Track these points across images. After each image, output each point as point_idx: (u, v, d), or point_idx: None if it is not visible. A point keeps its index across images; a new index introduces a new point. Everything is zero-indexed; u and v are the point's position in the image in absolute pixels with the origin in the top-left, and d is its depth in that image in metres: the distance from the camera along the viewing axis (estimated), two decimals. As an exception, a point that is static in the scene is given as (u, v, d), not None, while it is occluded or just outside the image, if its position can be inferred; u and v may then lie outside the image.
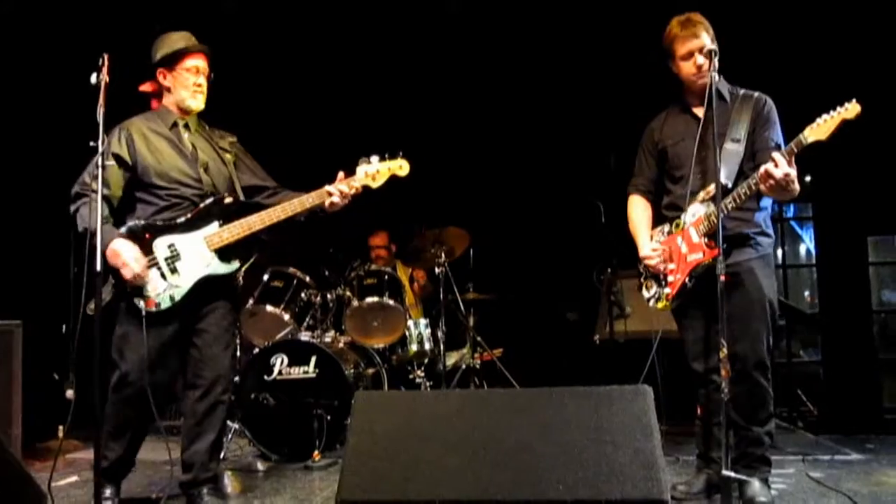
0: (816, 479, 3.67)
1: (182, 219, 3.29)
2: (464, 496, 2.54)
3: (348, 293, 5.28)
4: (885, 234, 6.26)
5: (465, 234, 5.38)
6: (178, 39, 3.39)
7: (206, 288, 3.31)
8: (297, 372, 4.69)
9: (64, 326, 5.78)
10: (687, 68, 3.26)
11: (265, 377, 4.70)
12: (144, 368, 3.16)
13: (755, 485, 3.13)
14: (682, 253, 3.23)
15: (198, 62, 3.39)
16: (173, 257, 3.25)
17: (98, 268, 2.86)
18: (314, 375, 4.67)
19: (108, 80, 3.12)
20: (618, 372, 4.73)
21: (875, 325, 6.14)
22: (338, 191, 3.37)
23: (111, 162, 3.17)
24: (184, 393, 3.44)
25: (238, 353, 5.46)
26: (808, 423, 5.54)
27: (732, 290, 3.10)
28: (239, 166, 3.56)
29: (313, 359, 4.70)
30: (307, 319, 5.17)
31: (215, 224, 3.31)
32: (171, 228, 3.27)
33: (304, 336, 4.98)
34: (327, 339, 5.08)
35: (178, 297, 3.21)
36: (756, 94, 3.30)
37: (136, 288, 3.17)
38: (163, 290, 3.19)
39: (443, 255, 5.30)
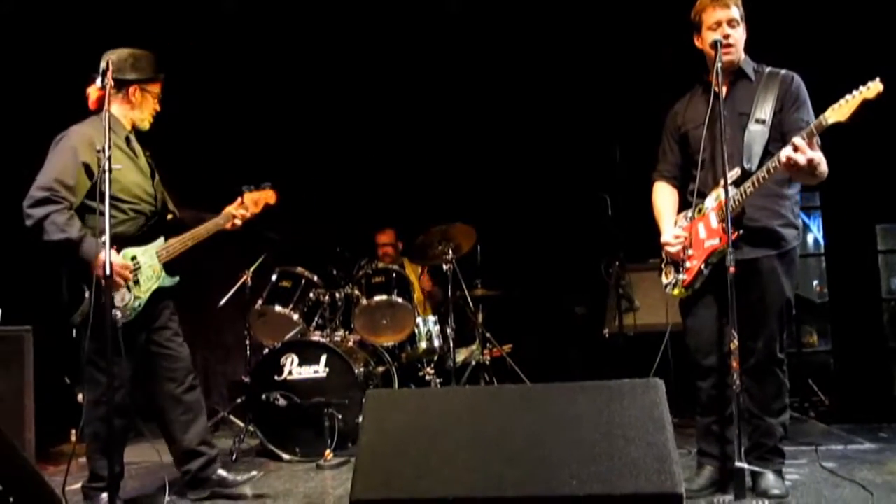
0: (830, 469, 3.66)
1: (139, 233, 3.43)
2: (476, 492, 2.53)
3: (356, 292, 5.28)
4: (893, 222, 6.24)
5: (472, 230, 5.37)
6: (152, 62, 3.52)
7: (156, 295, 3.45)
8: (307, 371, 4.70)
9: (75, 331, 5.78)
10: (711, 38, 3.14)
11: (276, 377, 4.71)
12: (124, 378, 3.27)
13: (769, 476, 3.10)
14: (701, 238, 3.18)
15: (160, 89, 3.58)
16: (136, 269, 3.36)
17: (108, 271, 2.91)
18: (324, 375, 4.68)
19: (112, 84, 3.16)
20: (628, 365, 4.73)
21: (885, 313, 6.12)
22: (240, 214, 3.76)
23: (57, 155, 3.27)
24: (159, 388, 3.53)
25: (248, 354, 5.49)
26: (819, 413, 5.52)
27: (752, 287, 3.07)
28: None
29: (323, 358, 4.71)
30: (316, 319, 5.18)
31: (161, 239, 3.49)
32: (131, 241, 3.38)
33: (314, 336, 4.99)
34: (337, 339, 5.09)
35: (140, 308, 3.35)
36: (783, 71, 3.20)
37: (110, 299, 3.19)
38: (130, 301, 3.31)
39: (450, 251, 5.29)
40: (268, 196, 3.89)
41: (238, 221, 3.75)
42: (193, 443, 3.52)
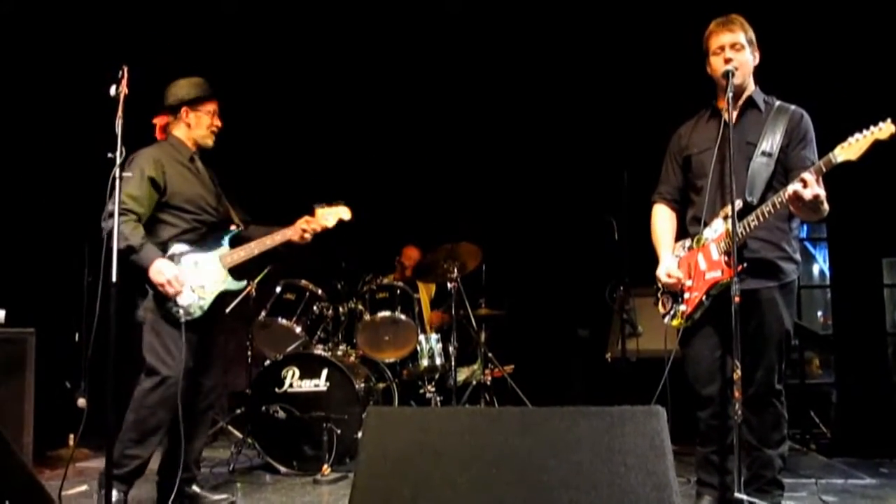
0: (829, 504, 3.64)
1: (202, 240, 3.68)
2: (474, 514, 2.52)
3: (360, 307, 5.28)
4: (899, 256, 6.23)
5: (478, 249, 5.37)
6: (201, 84, 3.81)
7: (221, 302, 3.72)
8: (307, 385, 4.70)
9: (77, 335, 5.80)
10: (716, 63, 3.16)
11: (276, 389, 4.71)
12: (180, 371, 3.44)
13: (767, 508, 3.09)
14: (701, 270, 3.16)
15: (214, 107, 3.83)
16: (200, 273, 3.60)
17: (114, 278, 2.96)
18: (325, 389, 4.68)
19: (126, 91, 3.19)
20: (629, 391, 4.71)
21: (889, 346, 6.09)
22: (311, 229, 3.91)
23: (129, 173, 3.37)
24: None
25: (250, 365, 5.49)
26: (821, 446, 5.48)
27: (750, 318, 3.05)
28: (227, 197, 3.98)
29: (324, 372, 4.70)
30: (319, 332, 5.18)
31: (226, 247, 3.73)
32: (195, 249, 3.64)
33: (316, 349, 4.99)
34: (339, 353, 5.09)
35: (205, 308, 3.57)
36: (792, 107, 3.19)
37: (174, 299, 3.49)
38: (193, 302, 3.53)
39: (455, 270, 5.29)
40: (340, 212, 4.00)
41: (308, 235, 3.89)
42: (183, 457, 3.54)
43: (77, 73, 5.32)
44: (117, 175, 3.03)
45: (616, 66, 5.97)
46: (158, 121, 3.81)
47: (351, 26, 5.94)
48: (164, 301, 3.47)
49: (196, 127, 3.77)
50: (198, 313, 3.53)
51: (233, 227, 3.82)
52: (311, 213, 3.95)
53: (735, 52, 3.14)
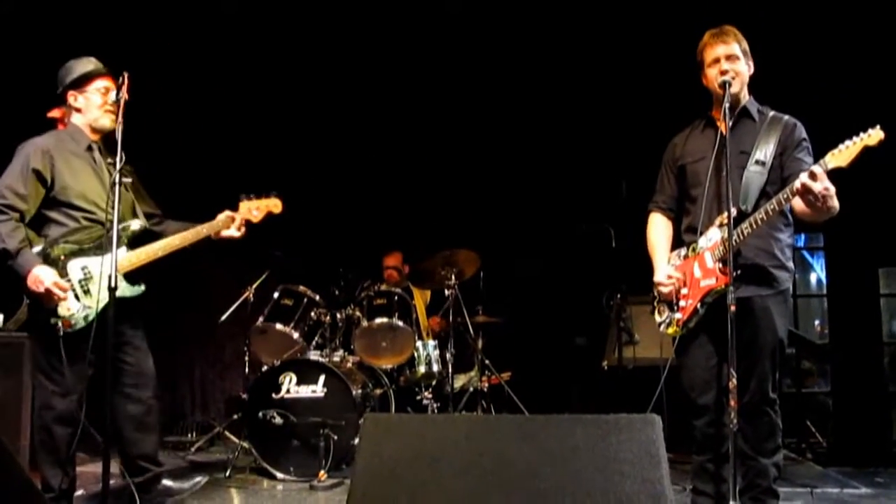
0: (825, 513, 3.65)
1: (94, 243, 3.36)
2: (470, 521, 2.52)
3: (358, 313, 5.29)
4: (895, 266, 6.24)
5: (476, 256, 5.39)
6: (86, 63, 3.52)
7: (122, 309, 3.33)
8: (304, 391, 4.70)
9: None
10: (711, 74, 3.18)
11: (273, 395, 4.71)
12: (68, 385, 3.23)
13: (763, 517, 3.10)
14: (696, 278, 3.17)
15: (106, 83, 3.51)
16: (86, 279, 3.31)
17: (112, 280, 2.95)
18: (322, 395, 4.68)
19: (127, 97, 3.21)
20: (626, 398, 4.71)
21: (885, 356, 6.10)
22: (229, 219, 3.68)
23: (12, 164, 3.28)
24: (116, 402, 3.41)
25: (247, 371, 5.49)
26: (816, 455, 5.50)
27: (744, 326, 3.04)
28: (136, 192, 3.67)
29: (321, 378, 4.71)
30: (316, 338, 5.19)
31: (123, 249, 3.38)
32: (84, 251, 3.34)
33: (313, 355, 5.00)
34: (336, 359, 5.09)
35: (91, 317, 3.25)
36: (786, 117, 3.21)
37: (51, 308, 3.22)
38: (77, 311, 3.24)
39: (453, 276, 5.30)
40: (271, 205, 3.80)
41: (234, 232, 3.68)
42: (139, 459, 3.51)
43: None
44: (116, 180, 3.02)
45: (614, 75, 5.99)
46: (54, 114, 3.56)
47: (347, 28, 5.93)
48: (41, 312, 3.21)
49: (87, 110, 3.48)
50: (81, 324, 3.23)
51: (136, 227, 3.49)
52: (235, 208, 3.74)
53: (730, 63, 3.16)
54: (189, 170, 6.31)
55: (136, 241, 3.47)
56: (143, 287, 3.49)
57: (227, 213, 3.70)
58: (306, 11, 5.78)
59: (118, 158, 3.04)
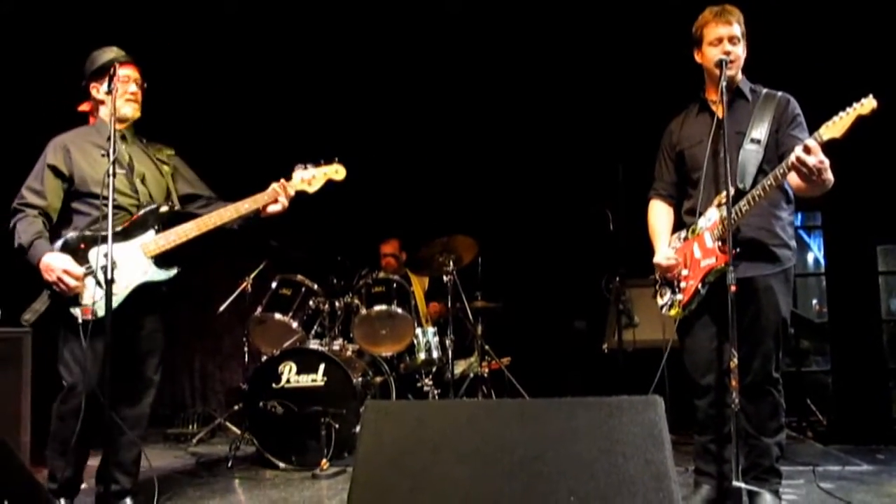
0: (827, 490, 3.66)
1: (118, 228, 3.27)
2: (474, 506, 2.52)
3: (356, 301, 5.28)
4: (894, 243, 6.23)
5: (474, 242, 5.37)
6: (107, 52, 3.48)
7: (143, 297, 3.34)
8: (305, 380, 4.69)
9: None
10: (711, 53, 3.17)
11: (273, 385, 4.71)
12: (86, 379, 3.16)
13: (766, 496, 3.09)
14: (696, 258, 3.17)
15: (128, 72, 3.46)
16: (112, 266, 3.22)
17: (110, 275, 2.92)
18: (322, 383, 4.68)
19: (137, 86, 3.23)
20: (627, 381, 4.72)
21: (884, 334, 6.10)
22: (275, 192, 3.50)
23: (49, 170, 3.28)
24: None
25: (247, 361, 5.49)
26: (817, 433, 5.51)
27: (747, 307, 3.05)
28: (176, 177, 3.65)
29: (321, 367, 4.70)
30: (315, 327, 5.18)
31: (151, 232, 3.37)
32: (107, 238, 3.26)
33: (313, 344, 4.99)
34: (335, 347, 5.09)
35: (114, 305, 3.11)
36: (779, 93, 3.22)
37: (72, 297, 3.18)
38: (99, 299, 3.13)
39: (451, 263, 5.29)
40: (331, 172, 3.65)
41: (278, 208, 3.51)
42: (118, 467, 3.39)
43: (62, 68, 5.29)
44: (109, 172, 3.00)
45: (611, 60, 5.96)
46: (84, 108, 3.53)
47: (345, 20, 5.92)
48: (60, 301, 3.17)
49: (108, 100, 3.36)
50: (103, 312, 3.06)
51: (162, 209, 3.42)
52: (288, 178, 3.59)
53: (733, 45, 3.15)
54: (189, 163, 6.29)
55: (168, 223, 3.42)
56: (174, 270, 3.39)
57: (276, 185, 3.53)
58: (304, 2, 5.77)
59: (111, 150, 3.00)
